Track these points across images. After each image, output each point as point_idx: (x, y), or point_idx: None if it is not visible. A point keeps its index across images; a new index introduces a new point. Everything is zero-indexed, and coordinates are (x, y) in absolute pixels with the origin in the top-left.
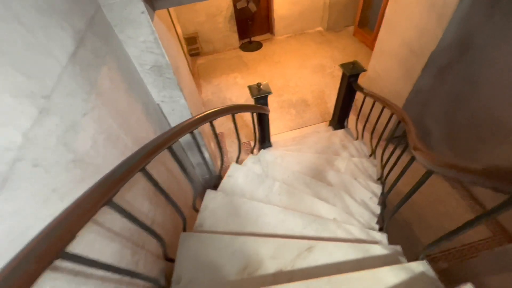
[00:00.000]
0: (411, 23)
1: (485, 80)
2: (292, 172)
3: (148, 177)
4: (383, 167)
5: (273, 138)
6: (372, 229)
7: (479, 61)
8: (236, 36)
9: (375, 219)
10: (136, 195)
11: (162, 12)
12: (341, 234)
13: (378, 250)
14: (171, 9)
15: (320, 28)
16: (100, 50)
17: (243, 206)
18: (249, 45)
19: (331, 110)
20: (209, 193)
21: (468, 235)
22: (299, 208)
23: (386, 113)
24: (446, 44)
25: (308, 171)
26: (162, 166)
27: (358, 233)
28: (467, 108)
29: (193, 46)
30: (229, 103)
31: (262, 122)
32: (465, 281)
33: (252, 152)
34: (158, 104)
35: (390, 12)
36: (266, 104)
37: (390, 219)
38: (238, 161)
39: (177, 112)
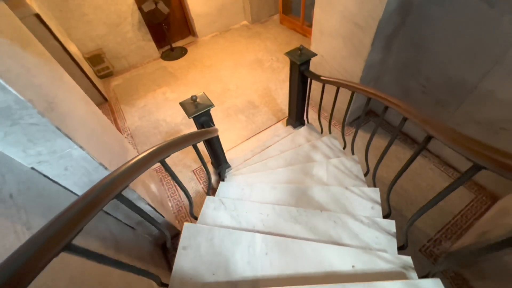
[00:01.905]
0: None
1: (431, 41)
2: (271, 207)
3: None
4: (366, 159)
5: (228, 155)
6: (395, 253)
7: (421, 22)
8: (152, 44)
9: (394, 240)
10: None
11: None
12: None
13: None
14: (51, 21)
15: (245, 22)
16: None
17: None
18: (171, 52)
19: (283, 107)
20: None
21: (454, 204)
22: (302, 268)
23: (342, 96)
24: (392, 9)
25: (289, 197)
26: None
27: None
28: (419, 74)
29: (100, 66)
30: (163, 125)
31: (213, 146)
32: None
33: (208, 193)
34: (33, 169)
35: None
36: (210, 120)
37: (408, 230)
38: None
39: (75, 170)
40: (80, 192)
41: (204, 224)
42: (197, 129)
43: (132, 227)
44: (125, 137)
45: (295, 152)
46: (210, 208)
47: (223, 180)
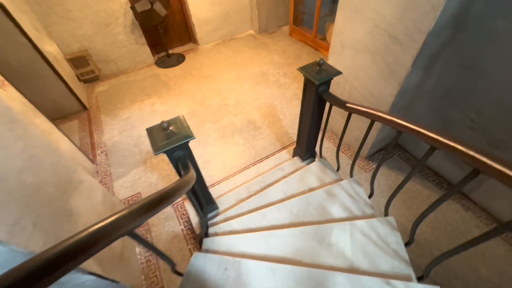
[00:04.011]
0: None
1: (488, 63)
2: None
3: None
4: (415, 226)
5: (217, 189)
6: None
7: (476, 39)
8: (146, 49)
9: None
10: None
11: None
12: None
13: None
14: (24, 15)
15: (251, 31)
16: None
17: None
18: (167, 59)
19: (290, 130)
20: None
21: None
22: None
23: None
24: (446, 20)
25: (296, 286)
26: None
27: None
28: (467, 104)
29: (84, 69)
30: (145, 143)
31: (195, 194)
32: None
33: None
34: None
35: None
36: (189, 156)
37: None
38: None
39: None
40: None
41: None
42: (173, 166)
43: None
44: (98, 155)
45: (305, 200)
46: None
47: (207, 234)
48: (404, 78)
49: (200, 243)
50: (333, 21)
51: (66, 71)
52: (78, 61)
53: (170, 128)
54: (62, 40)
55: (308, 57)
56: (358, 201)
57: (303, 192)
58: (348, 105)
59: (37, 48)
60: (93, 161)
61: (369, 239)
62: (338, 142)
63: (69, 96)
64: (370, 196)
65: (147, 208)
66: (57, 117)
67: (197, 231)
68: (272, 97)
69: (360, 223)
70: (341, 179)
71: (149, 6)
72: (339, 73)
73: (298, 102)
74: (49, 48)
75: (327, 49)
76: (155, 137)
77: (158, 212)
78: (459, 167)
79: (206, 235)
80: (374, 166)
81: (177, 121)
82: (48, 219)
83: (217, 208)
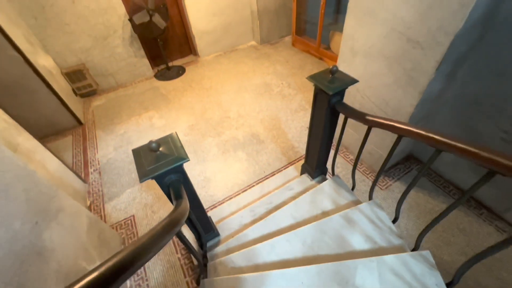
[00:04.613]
0: None
1: None
2: None
3: None
4: (465, 267)
5: (218, 212)
6: None
7: (510, 39)
8: (145, 62)
9: None
10: None
11: None
12: None
13: None
14: (17, 29)
15: (253, 42)
16: None
17: None
18: (167, 72)
19: (296, 144)
20: None
21: None
22: None
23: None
24: (476, 18)
25: None
26: None
27: None
28: (500, 114)
29: (81, 83)
30: None
31: (191, 222)
32: None
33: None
34: None
35: None
36: (185, 182)
37: None
38: None
39: None
40: None
41: None
42: (165, 193)
43: None
44: (91, 173)
45: (319, 228)
46: None
47: (205, 265)
48: (426, 86)
49: (197, 281)
50: (337, 29)
51: (61, 85)
52: (75, 75)
53: (160, 149)
54: (58, 54)
55: (312, 67)
56: (381, 229)
57: (316, 217)
58: (368, 117)
59: (29, 62)
60: (85, 180)
61: (403, 281)
62: (349, 155)
63: (63, 111)
64: (394, 221)
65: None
66: (50, 133)
67: (196, 261)
68: (276, 109)
69: (390, 259)
70: (358, 201)
71: (147, 18)
72: (355, 81)
73: (304, 114)
74: (44, 62)
75: (332, 58)
76: (142, 160)
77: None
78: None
79: (205, 266)
80: (391, 182)
81: (168, 140)
82: (8, 265)
83: (218, 235)
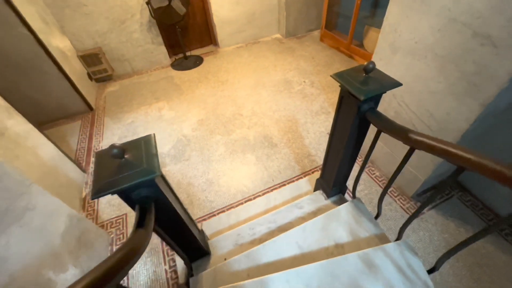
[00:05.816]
0: None
1: None
2: None
3: None
4: None
5: (214, 223)
6: None
7: None
8: (163, 49)
9: None
10: None
11: None
12: None
13: None
14: (31, 6)
15: (277, 35)
16: None
17: None
18: (184, 61)
19: (313, 151)
20: None
21: None
22: None
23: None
24: None
25: None
26: None
27: None
28: None
29: (97, 68)
30: None
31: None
32: None
33: None
34: None
35: None
36: (162, 199)
37: None
38: None
39: None
40: None
41: None
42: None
43: None
44: (92, 163)
45: (329, 269)
46: None
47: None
48: (493, 97)
49: None
50: (374, 24)
51: (76, 68)
52: (91, 59)
53: (126, 156)
54: (75, 36)
55: (340, 65)
56: (413, 283)
57: (327, 250)
58: (412, 136)
59: (40, 42)
60: (84, 170)
61: None
62: (374, 170)
63: (74, 95)
64: (431, 272)
65: None
66: (61, 116)
67: (182, 279)
68: (294, 109)
69: None
70: (384, 237)
71: (166, 3)
72: (397, 84)
73: (326, 118)
74: (58, 43)
75: (364, 56)
76: (101, 170)
77: None
78: None
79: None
80: (424, 210)
81: (140, 145)
82: None
83: (208, 253)
